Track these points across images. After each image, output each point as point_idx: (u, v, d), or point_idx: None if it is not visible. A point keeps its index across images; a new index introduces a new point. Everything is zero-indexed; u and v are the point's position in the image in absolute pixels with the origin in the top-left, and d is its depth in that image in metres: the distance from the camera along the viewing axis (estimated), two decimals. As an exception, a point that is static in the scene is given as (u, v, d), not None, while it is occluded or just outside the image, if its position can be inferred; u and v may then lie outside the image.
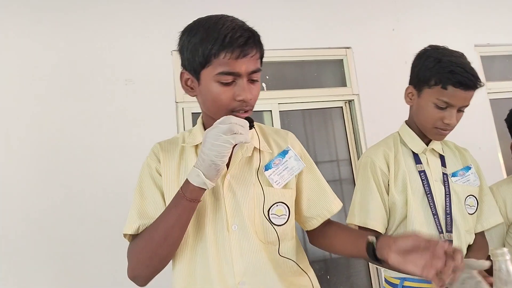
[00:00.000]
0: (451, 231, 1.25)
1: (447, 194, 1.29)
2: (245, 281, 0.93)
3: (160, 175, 1.02)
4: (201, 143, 1.00)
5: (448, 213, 1.27)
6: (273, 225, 0.99)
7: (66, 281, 1.98)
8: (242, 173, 1.02)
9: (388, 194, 1.32)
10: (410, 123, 1.39)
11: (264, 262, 0.96)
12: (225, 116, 0.87)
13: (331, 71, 2.67)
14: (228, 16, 0.96)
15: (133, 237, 1.00)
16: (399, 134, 1.41)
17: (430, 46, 1.33)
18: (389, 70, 2.60)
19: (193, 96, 1.02)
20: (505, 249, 0.76)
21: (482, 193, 1.37)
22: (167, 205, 0.96)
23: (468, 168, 1.36)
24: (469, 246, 1.31)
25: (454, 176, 1.33)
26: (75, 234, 2.01)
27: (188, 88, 1.01)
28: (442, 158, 1.36)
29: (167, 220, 0.91)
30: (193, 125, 2.33)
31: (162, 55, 2.32)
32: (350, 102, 2.63)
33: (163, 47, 2.33)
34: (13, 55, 2.15)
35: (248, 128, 0.89)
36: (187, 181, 0.89)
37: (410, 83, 1.36)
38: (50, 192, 2.04)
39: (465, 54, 1.31)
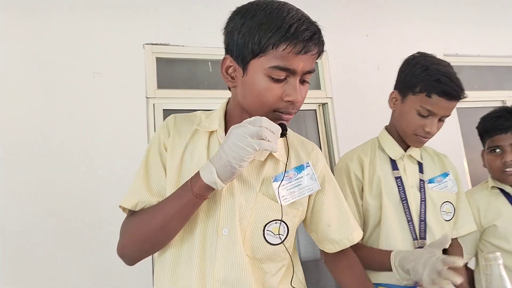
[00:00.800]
0: (425, 238, 1.26)
1: (423, 201, 1.29)
2: None
3: (166, 150, 0.94)
4: (215, 130, 0.94)
5: (423, 220, 1.27)
6: (266, 242, 0.91)
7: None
8: (248, 177, 0.92)
9: (362, 199, 1.32)
10: (390, 128, 1.39)
11: (246, 277, 0.87)
12: (257, 117, 0.78)
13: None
14: (291, 4, 0.86)
15: (130, 212, 0.93)
16: (378, 139, 1.41)
17: (418, 53, 1.33)
18: (362, 75, 2.63)
19: (232, 86, 0.91)
20: (498, 254, 0.76)
21: (458, 200, 1.39)
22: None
23: (446, 174, 1.37)
24: (444, 251, 1.33)
25: (431, 183, 1.34)
26: (42, 228, 1.92)
27: (228, 77, 0.90)
28: (420, 164, 1.36)
29: (168, 209, 0.84)
30: (164, 122, 2.25)
31: (133, 48, 2.23)
32: (323, 105, 2.64)
33: (134, 40, 2.24)
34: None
35: (279, 135, 0.80)
36: (197, 175, 0.81)
37: (395, 88, 1.35)
38: (14, 186, 1.92)
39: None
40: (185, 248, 0.90)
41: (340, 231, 1.01)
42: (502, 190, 1.53)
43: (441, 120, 1.28)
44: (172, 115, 1.02)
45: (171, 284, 0.89)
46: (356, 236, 1.03)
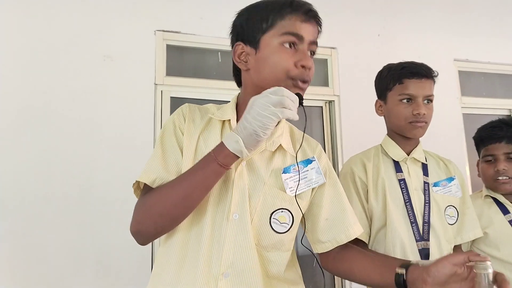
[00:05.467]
0: (428, 239, 1.27)
1: (427, 203, 1.31)
2: (229, 273, 0.89)
3: (183, 134, 0.97)
4: (228, 120, 0.98)
5: (426, 222, 1.29)
6: (272, 230, 0.94)
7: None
8: (258, 166, 0.96)
9: (367, 202, 1.34)
10: (390, 134, 1.44)
11: (254, 262, 0.91)
12: (277, 87, 0.83)
13: (315, 70, 2.66)
14: None
15: (144, 191, 0.94)
16: (381, 145, 1.45)
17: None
18: (371, 74, 2.57)
19: (246, 69, 0.98)
20: (488, 263, 0.77)
21: (464, 206, 1.40)
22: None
23: (451, 179, 1.39)
24: None
25: (436, 186, 1.36)
26: (46, 211, 1.95)
27: (242, 62, 0.97)
28: (424, 167, 1.38)
29: (191, 179, 0.86)
30: (171, 110, 2.31)
31: (145, 34, 2.24)
32: (330, 102, 2.64)
33: (146, 26, 2.25)
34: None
35: (298, 104, 0.85)
36: (222, 145, 0.84)
37: (377, 99, 1.46)
38: (22, 168, 1.95)
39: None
40: (194, 232, 0.92)
41: (338, 227, 1.02)
42: (495, 200, 1.55)
43: (427, 102, 1.34)
44: (186, 104, 1.05)
45: (178, 268, 0.91)
46: (353, 231, 1.03)
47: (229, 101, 1.05)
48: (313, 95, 2.59)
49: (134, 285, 1.96)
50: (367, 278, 0.98)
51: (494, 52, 3.09)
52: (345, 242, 1.02)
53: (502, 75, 3.17)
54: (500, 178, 1.50)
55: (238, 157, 0.84)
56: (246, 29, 0.95)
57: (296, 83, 0.92)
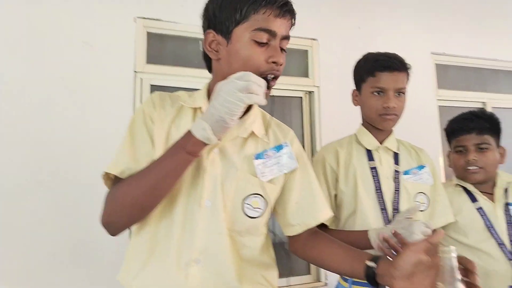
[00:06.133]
0: None
1: (397, 191, 1.35)
2: (200, 259, 0.90)
3: (153, 123, 0.95)
4: (199, 108, 0.97)
5: (396, 209, 1.33)
6: (245, 216, 0.95)
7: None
8: (230, 153, 0.96)
9: (335, 190, 1.39)
10: (364, 123, 1.48)
11: (226, 247, 0.92)
12: (243, 72, 0.81)
13: (296, 61, 2.69)
14: None
15: (114, 182, 0.93)
16: (355, 134, 1.49)
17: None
18: (351, 67, 2.65)
19: (216, 59, 0.96)
20: (453, 247, 0.80)
21: (435, 193, 1.44)
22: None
23: (422, 167, 1.43)
24: None
25: (406, 174, 1.40)
26: (21, 199, 1.92)
27: (212, 51, 0.96)
28: (396, 156, 1.42)
29: (160, 169, 0.85)
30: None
31: (125, 21, 2.21)
32: (310, 93, 2.67)
33: (127, 13, 2.22)
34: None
35: (266, 88, 0.84)
36: (189, 133, 0.83)
37: (354, 88, 1.49)
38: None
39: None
40: (166, 220, 0.92)
41: (307, 210, 1.04)
42: (464, 189, 1.60)
43: (398, 94, 1.36)
44: (156, 92, 1.04)
45: (148, 256, 0.92)
46: (322, 215, 1.05)
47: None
48: (293, 85, 2.61)
49: (111, 272, 1.95)
50: (336, 267, 1.00)
51: (470, 47, 3.17)
52: (314, 225, 1.04)
53: (477, 68, 3.25)
54: (470, 168, 1.56)
55: (207, 144, 0.84)
56: (219, 17, 0.93)
57: (265, 78, 0.90)
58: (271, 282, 1.02)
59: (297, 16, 0.98)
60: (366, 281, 0.90)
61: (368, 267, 0.89)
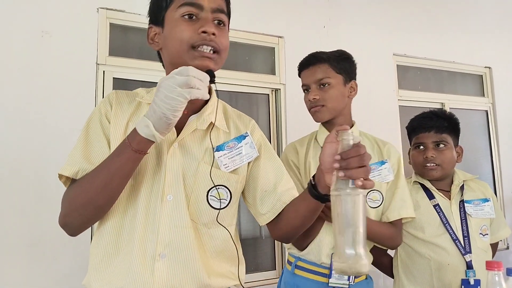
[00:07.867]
0: None
1: None
2: (165, 254, 0.90)
3: (109, 123, 0.94)
4: None
5: None
6: (210, 207, 0.96)
7: None
8: (191, 146, 0.97)
9: (301, 185, 1.42)
10: (325, 123, 1.51)
11: (191, 240, 0.92)
12: (183, 67, 0.81)
13: (262, 58, 2.70)
14: None
15: (70, 182, 0.92)
16: (316, 132, 1.53)
17: None
18: (316, 65, 2.70)
19: (158, 49, 1.00)
20: (349, 131, 0.82)
21: (394, 186, 1.44)
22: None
23: (382, 162, 1.44)
24: None
25: None
26: None
27: (154, 43, 0.99)
28: None
29: (108, 168, 0.85)
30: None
31: (87, 11, 2.13)
32: (276, 90, 2.68)
33: (89, 2, 2.13)
34: None
35: (208, 82, 0.84)
36: (134, 131, 0.83)
37: None
38: None
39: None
40: (128, 216, 0.92)
41: (273, 195, 1.04)
42: (422, 185, 1.67)
43: (321, 87, 1.41)
44: (113, 90, 1.04)
45: (112, 253, 0.91)
46: (288, 197, 1.04)
47: None
48: (260, 82, 2.61)
49: (69, 269, 1.90)
50: (299, 215, 1.00)
51: (430, 49, 3.29)
52: (282, 208, 1.04)
53: (436, 70, 3.39)
54: (428, 165, 1.62)
55: (153, 142, 0.84)
56: (152, 9, 0.98)
57: (202, 53, 0.91)
58: (239, 275, 1.02)
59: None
60: (313, 203, 0.94)
61: (308, 184, 0.94)
